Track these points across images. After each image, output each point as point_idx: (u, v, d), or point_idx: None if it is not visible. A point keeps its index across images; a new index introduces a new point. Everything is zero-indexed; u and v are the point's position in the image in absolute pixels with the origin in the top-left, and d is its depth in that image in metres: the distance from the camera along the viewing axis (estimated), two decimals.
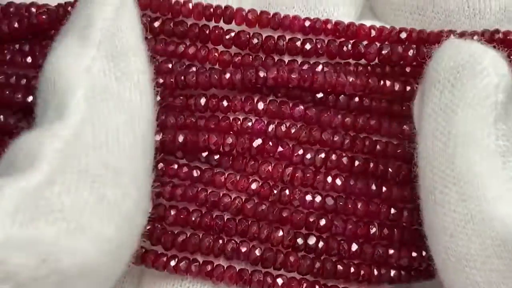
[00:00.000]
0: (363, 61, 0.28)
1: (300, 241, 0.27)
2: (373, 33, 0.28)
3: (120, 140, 0.23)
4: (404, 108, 0.28)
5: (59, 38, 0.25)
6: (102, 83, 0.23)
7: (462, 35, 0.27)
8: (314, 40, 0.28)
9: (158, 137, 0.27)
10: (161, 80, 0.28)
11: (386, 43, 0.28)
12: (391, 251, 0.27)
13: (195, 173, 0.27)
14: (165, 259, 0.27)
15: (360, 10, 0.32)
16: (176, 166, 0.28)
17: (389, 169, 0.27)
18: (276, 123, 0.28)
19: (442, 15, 0.30)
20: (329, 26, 0.29)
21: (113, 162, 0.23)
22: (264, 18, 0.28)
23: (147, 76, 0.25)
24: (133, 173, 0.23)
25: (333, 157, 0.27)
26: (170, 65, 0.28)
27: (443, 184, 0.23)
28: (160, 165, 0.27)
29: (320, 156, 0.27)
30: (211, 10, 0.28)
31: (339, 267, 0.27)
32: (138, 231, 0.24)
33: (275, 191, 0.27)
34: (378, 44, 0.28)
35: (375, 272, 0.27)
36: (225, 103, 0.28)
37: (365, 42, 0.28)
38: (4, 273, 0.19)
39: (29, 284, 0.19)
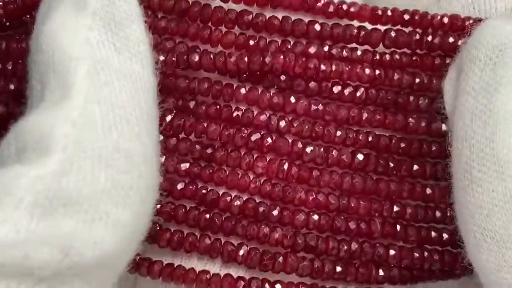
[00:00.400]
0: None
1: (300, 239, 0.26)
2: (377, 14, 0.28)
3: (128, 118, 0.22)
4: (411, 100, 0.28)
5: (50, 5, 0.23)
6: (103, 55, 0.22)
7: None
8: (320, 23, 0.28)
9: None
10: (162, 58, 0.26)
11: (389, 26, 0.28)
12: (392, 252, 0.27)
13: (196, 170, 0.27)
14: (159, 266, 0.26)
15: None
16: (175, 162, 0.27)
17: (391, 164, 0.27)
18: (278, 117, 0.27)
19: None
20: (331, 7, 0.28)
21: (123, 143, 0.22)
22: None
23: (147, 45, 0.24)
24: (143, 151, 0.23)
25: (334, 153, 0.27)
26: (172, 44, 0.27)
27: (481, 163, 0.23)
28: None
29: (321, 151, 0.27)
30: None
31: (338, 267, 0.27)
32: (151, 210, 0.24)
33: (276, 190, 0.27)
34: (383, 29, 0.28)
35: (374, 273, 0.27)
36: (228, 90, 0.27)
37: (370, 27, 0.28)
38: (27, 269, 0.18)
39: (51, 278, 0.19)
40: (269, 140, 0.27)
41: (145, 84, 0.24)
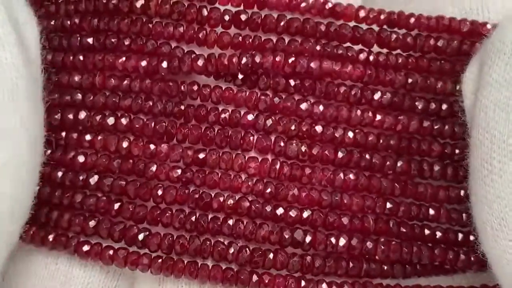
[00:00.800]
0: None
1: (286, 234, 0.27)
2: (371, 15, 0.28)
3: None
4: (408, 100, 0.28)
5: None
6: None
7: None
8: (314, 22, 0.28)
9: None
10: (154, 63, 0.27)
11: (384, 26, 0.28)
12: (381, 247, 0.27)
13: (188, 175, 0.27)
14: (149, 260, 0.27)
15: None
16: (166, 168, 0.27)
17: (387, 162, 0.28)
18: (265, 117, 0.28)
19: None
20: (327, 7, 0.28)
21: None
22: None
23: (13, 36, 0.24)
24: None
25: (315, 150, 0.27)
26: (168, 48, 0.28)
27: (503, 154, 0.23)
28: (152, 169, 0.27)
29: (303, 148, 0.27)
30: None
31: (328, 263, 0.27)
32: (30, 189, 0.25)
33: (269, 189, 0.27)
34: (377, 29, 0.28)
35: (365, 267, 0.27)
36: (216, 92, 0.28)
37: (365, 27, 0.28)
38: None
39: None
40: (252, 138, 0.27)
41: (17, 73, 0.24)
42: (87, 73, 0.28)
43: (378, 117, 0.28)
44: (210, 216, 0.27)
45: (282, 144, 0.27)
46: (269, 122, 0.27)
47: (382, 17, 0.28)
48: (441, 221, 0.28)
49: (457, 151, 0.28)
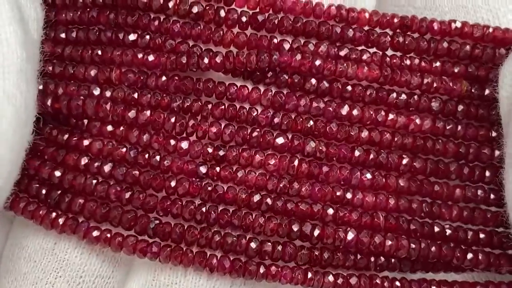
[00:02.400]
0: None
1: (295, 227, 0.27)
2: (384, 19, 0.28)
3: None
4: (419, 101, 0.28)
5: None
6: None
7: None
8: (329, 25, 0.28)
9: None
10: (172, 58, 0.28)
11: (398, 31, 0.28)
12: (388, 242, 0.27)
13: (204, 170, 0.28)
14: (158, 248, 0.27)
15: None
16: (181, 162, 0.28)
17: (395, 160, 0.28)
18: (282, 114, 0.28)
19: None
20: (343, 12, 0.28)
21: None
22: (265, 1, 0.28)
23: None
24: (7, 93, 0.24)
25: (332, 148, 0.28)
26: (186, 47, 0.28)
27: None
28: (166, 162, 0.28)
29: (320, 147, 0.28)
30: None
31: (337, 256, 0.27)
32: (18, 148, 0.25)
33: (281, 185, 0.27)
34: (391, 33, 0.28)
35: (373, 260, 0.28)
36: (232, 90, 0.28)
37: (379, 30, 0.28)
38: None
39: None
40: (269, 137, 0.28)
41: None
42: (104, 68, 0.28)
43: (391, 116, 0.28)
44: (220, 208, 0.27)
45: (299, 142, 0.28)
46: (285, 120, 0.28)
47: (395, 21, 0.28)
48: (453, 219, 0.28)
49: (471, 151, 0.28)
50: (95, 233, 0.28)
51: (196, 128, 0.28)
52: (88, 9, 0.29)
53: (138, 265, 0.29)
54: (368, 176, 0.28)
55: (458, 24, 0.28)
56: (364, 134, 0.28)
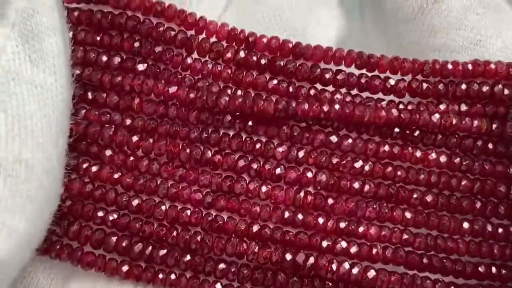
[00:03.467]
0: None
1: (288, 257, 0.27)
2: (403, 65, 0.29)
3: (33, 129, 0.23)
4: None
5: None
6: (16, 66, 0.23)
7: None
8: (345, 74, 0.29)
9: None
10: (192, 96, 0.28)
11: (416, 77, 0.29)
12: (382, 278, 0.27)
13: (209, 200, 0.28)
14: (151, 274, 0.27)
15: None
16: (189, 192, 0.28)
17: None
18: (297, 148, 0.28)
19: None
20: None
21: (25, 153, 0.23)
22: (286, 47, 0.29)
23: (63, 59, 0.25)
24: (46, 162, 0.24)
25: (344, 182, 0.28)
26: (205, 82, 0.29)
27: None
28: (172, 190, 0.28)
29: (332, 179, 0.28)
30: (234, 33, 0.29)
31: (328, 286, 0.27)
32: (48, 219, 0.25)
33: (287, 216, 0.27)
34: (408, 80, 0.29)
35: None
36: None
37: (395, 77, 0.29)
38: None
39: None
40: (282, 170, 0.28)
41: (57, 96, 0.24)
42: (125, 95, 0.28)
43: (407, 150, 0.28)
44: (214, 236, 0.27)
45: (310, 175, 0.28)
46: (300, 153, 0.28)
47: (416, 66, 0.29)
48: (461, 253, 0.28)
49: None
50: (89, 258, 0.27)
51: (212, 158, 0.28)
52: (109, 33, 0.29)
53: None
54: (373, 209, 0.28)
55: (481, 67, 0.29)
56: (378, 168, 0.28)
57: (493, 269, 0.28)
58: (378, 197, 0.28)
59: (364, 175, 0.28)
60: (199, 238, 0.27)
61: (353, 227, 0.27)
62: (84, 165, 0.28)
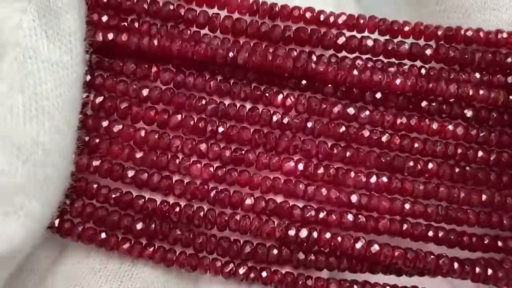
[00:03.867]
0: None
1: (291, 233, 0.27)
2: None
3: (50, 110, 0.23)
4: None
5: None
6: (33, 42, 0.23)
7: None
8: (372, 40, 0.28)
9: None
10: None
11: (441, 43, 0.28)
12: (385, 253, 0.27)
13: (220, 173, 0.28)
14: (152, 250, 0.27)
15: None
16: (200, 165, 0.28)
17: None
18: (314, 120, 0.28)
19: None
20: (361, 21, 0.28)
21: (43, 136, 0.22)
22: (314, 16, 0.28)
23: (79, 36, 0.25)
24: (61, 144, 0.23)
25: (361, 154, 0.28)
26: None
27: None
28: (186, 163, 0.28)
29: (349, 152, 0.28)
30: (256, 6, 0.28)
31: (331, 259, 0.28)
32: (61, 199, 0.25)
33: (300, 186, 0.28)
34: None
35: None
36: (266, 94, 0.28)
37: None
38: None
39: None
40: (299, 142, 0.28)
41: (72, 74, 0.24)
42: (142, 64, 0.28)
43: (424, 122, 0.28)
44: (217, 212, 0.27)
45: (326, 148, 0.28)
46: (318, 125, 0.28)
47: (439, 32, 0.28)
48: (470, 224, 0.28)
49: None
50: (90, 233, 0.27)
51: (228, 131, 0.28)
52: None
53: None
54: (385, 180, 0.28)
55: (505, 34, 0.28)
56: (396, 140, 0.28)
57: (499, 243, 0.28)
58: (392, 169, 0.28)
59: (381, 147, 0.28)
60: (202, 214, 0.27)
61: (365, 201, 0.28)
62: (95, 141, 0.27)
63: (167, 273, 0.28)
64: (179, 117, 0.28)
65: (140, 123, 0.28)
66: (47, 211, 0.24)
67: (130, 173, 0.27)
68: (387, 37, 0.28)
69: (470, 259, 0.28)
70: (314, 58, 0.28)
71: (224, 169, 0.28)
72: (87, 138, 0.27)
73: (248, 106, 0.28)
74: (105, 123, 0.27)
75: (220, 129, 0.28)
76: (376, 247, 0.27)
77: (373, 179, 0.28)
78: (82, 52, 0.25)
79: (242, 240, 0.28)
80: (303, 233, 0.27)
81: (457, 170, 0.28)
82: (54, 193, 0.24)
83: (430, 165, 0.28)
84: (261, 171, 0.28)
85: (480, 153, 0.28)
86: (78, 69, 0.25)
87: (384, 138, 0.28)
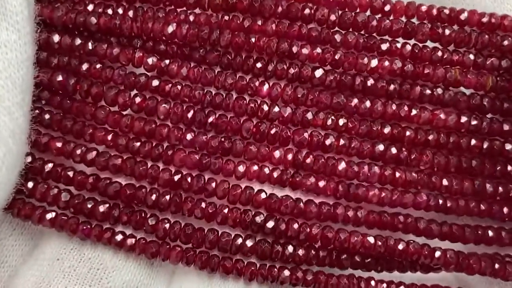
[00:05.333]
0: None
1: (258, 219, 0.27)
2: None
3: None
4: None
5: None
6: None
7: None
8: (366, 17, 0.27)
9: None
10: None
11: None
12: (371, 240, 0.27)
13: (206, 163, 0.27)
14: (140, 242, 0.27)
15: None
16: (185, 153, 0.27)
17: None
18: (302, 110, 0.28)
19: None
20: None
21: None
22: None
23: (26, 15, 0.24)
24: (12, 125, 0.23)
25: (355, 144, 0.27)
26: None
27: None
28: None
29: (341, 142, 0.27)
30: None
31: (300, 251, 0.28)
32: (15, 180, 0.25)
33: (286, 176, 0.27)
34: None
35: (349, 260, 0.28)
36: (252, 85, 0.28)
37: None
38: None
39: None
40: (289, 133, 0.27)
41: (22, 55, 0.23)
42: (125, 49, 0.27)
43: (414, 112, 0.28)
44: (204, 204, 0.27)
45: (318, 137, 0.27)
46: (309, 115, 0.27)
47: (434, 12, 0.27)
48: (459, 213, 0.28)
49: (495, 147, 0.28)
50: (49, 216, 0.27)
51: (217, 121, 0.27)
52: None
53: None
54: (376, 169, 0.27)
55: (497, 17, 0.27)
56: (387, 130, 0.27)
57: (490, 233, 0.28)
58: (388, 160, 0.28)
59: (372, 136, 0.28)
60: (167, 198, 0.27)
61: (355, 190, 0.27)
62: (73, 125, 0.27)
63: (144, 267, 0.28)
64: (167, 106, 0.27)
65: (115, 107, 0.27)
66: (1, 193, 0.24)
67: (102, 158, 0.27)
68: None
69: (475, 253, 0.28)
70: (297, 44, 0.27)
71: (208, 158, 0.27)
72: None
73: (234, 96, 0.28)
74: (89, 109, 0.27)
75: (210, 119, 0.27)
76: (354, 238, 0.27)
77: (365, 169, 0.27)
78: (31, 31, 0.24)
79: (206, 229, 0.27)
80: (270, 223, 0.27)
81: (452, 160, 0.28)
82: (8, 176, 0.24)
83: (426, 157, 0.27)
84: (250, 161, 0.28)
85: (473, 141, 0.28)
86: (27, 49, 0.24)
87: (374, 127, 0.27)
